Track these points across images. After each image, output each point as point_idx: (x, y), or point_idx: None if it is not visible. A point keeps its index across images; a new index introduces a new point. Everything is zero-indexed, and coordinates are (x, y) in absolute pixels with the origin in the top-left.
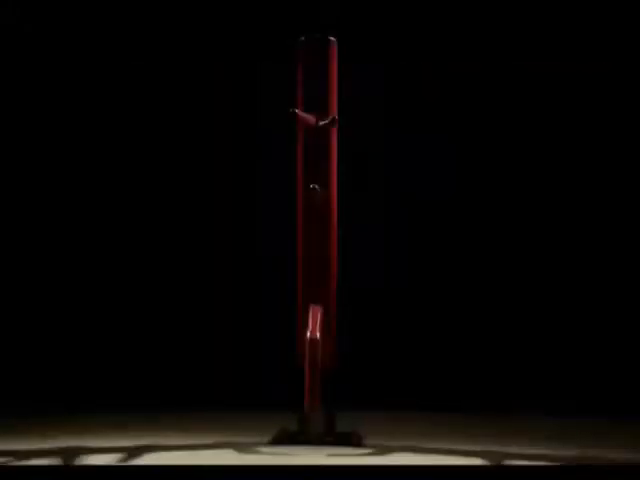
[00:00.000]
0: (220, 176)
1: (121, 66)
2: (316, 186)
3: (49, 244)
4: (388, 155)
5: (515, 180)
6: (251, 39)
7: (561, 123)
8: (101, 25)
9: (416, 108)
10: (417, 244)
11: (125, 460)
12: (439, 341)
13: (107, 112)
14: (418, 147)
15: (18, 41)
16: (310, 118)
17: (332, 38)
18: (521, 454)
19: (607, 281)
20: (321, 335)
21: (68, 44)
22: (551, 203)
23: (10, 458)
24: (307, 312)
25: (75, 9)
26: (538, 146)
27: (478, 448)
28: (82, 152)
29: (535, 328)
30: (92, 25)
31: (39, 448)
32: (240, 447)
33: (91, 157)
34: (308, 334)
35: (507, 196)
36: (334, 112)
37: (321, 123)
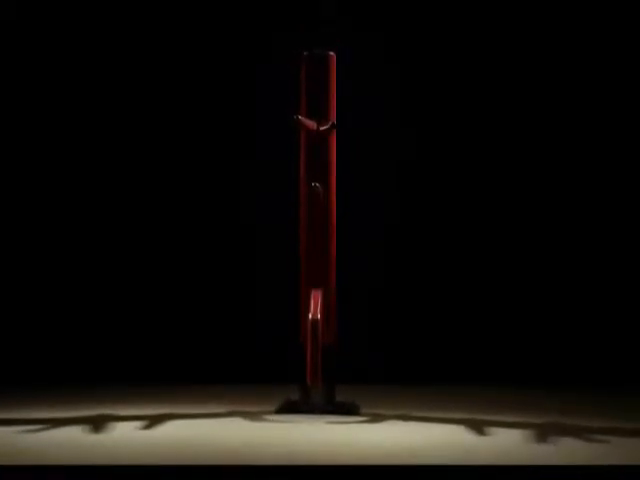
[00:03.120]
0: (222, 170)
1: (124, 67)
2: (317, 184)
3: (62, 230)
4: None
5: (512, 164)
6: (255, 47)
7: (553, 115)
8: (102, 25)
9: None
10: (417, 224)
11: (148, 428)
12: (437, 313)
13: (109, 112)
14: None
15: (17, 39)
16: (311, 123)
17: (331, 53)
18: (499, 422)
19: (611, 258)
20: (322, 316)
21: (67, 44)
22: (551, 185)
23: (38, 426)
24: (309, 296)
25: (76, 9)
26: (533, 135)
27: (466, 417)
28: (83, 148)
29: (538, 299)
30: (92, 25)
31: (65, 417)
32: (249, 416)
33: (92, 151)
34: (310, 315)
35: (508, 179)
36: (333, 118)
37: (322, 128)
